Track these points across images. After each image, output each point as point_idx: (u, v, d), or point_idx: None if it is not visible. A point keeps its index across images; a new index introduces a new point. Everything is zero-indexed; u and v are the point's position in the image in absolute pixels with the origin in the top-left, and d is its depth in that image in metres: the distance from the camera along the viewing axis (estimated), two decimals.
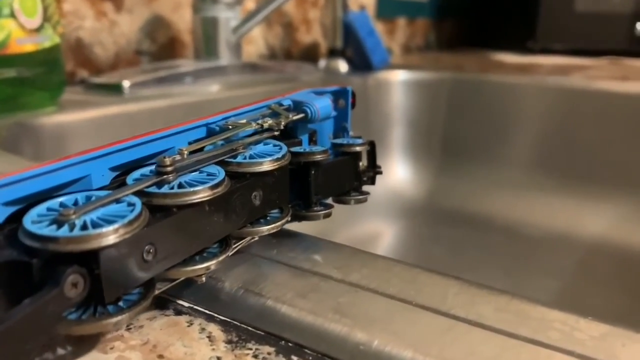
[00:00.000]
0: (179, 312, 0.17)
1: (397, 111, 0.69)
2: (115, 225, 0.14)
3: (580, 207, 0.61)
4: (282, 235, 0.21)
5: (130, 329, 0.16)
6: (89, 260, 0.13)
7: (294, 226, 0.22)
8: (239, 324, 0.17)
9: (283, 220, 0.20)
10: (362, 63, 0.68)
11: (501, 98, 0.66)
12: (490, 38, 1.05)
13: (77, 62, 0.55)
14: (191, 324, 0.17)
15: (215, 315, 0.17)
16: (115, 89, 0.50)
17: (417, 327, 0.16)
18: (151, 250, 0.15)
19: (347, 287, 0.18)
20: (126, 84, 0.49)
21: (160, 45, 0.62)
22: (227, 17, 0.56)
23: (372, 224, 0.64)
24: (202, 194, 0.16)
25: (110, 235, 0.13)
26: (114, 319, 0.14)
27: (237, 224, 0.18)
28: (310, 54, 0.78)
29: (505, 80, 0.66)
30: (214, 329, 0.17)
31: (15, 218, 0.14)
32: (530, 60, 0.85)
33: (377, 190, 0.79)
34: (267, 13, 0.56)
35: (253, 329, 0.17)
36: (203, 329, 0.17)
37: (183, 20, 0.63)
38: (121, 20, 0.58)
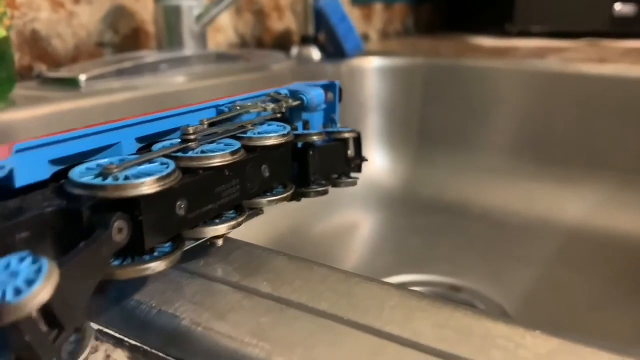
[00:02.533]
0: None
1: (371, 99, 0.67)
2: (154, 177, 0.15)
3: (559, 192, 0.60)
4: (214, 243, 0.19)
5: None
6: (132, 207, 0.15)
7: (265, 220, 0.22)
8: (148, 349, 0.15)
9: (289, 193, 0.21)
10: (334, 50, 0.66)
11: (477, 83, 0.64)
12: (468, 22, 1.03)
13: (34, 56, 0.53)
14: (96, 351, 0.15)
15: (125, 339, 0.16)
16: (71, 83, 0.47)
17: (342, 351, 0.14)
18: (182, 206, 0.16)
19: (273, 303, 0.16)
20: (82, 77, 0.47)
21: (123, 37, 0.59)
22: (190, 5, 0.54)
23: (349, 214, 0.63)
24: (223, 159, 0.18)
25: (150, 185, 0.15)
26: (151, 264, 0.15)
27: (250, 192, 0.20)
28: (283, 42, 0.76)
29: (481, 65, 0.64)
30: (120, 355, 0.15)
31: (57, 178, 0.16)
32: (507, 43, 0.83)
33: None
34: (230, 1, 0.54)
35: (164, 355, 0.15)
36: (108, 356, 0.15)
37: (146, 9, 0.61)
38: (80, 11, 0.55)
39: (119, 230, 0.15)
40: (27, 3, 0.52)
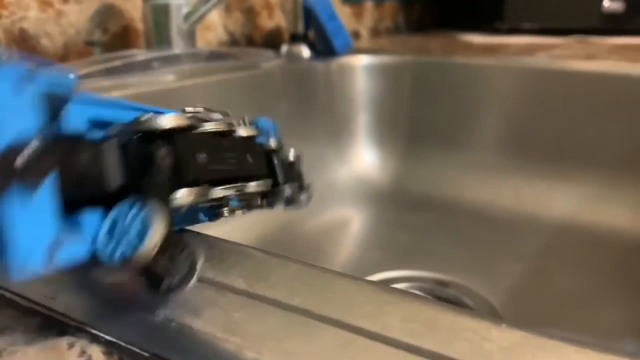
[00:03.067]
0: (63, 332, 0.16)
1: (361, 96, 0.68)
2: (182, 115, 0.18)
3: (548, 188, 0.61)
4: (193, 240, 0.20)
5: (2, 356, 0.15)
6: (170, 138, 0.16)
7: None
8: (124, 344, 0.16)
9: (269, 181, 0.23)
10: (324, 48, 0.66)
11: (466, 80, 0.65)
12: (459, 20, 1.04)
13: (23, 55, 0.53)
14: (72, 347, 0.15)
15: (101, 335, 0.16)
16: None
17: (312, 344, 0.14)
18: (203, 157, 0.17)
19: (247, 299, 0.16)
20: (71, 76, 0.47)
21: (112, 35, 0.59)
22: (178, 4, 0.54)
23: (339, 210, 0.63)
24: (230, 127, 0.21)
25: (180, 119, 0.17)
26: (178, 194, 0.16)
27: (246, 169, 0.21)
28: (273, 40, 0.76)
29: (470, 62, 0.65)
30: (95, 351, 0.15)
31: None
32: (497, 40, 0.84)
33: (344, 176, 0.78)
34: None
35: (139, 350, 0.15)
36: (83, 352, 0.15)
37: (135, 8, 0.61)
38: (69, 10, 0.55)
39: (165, 155, 0.16)
40: (16, 2, 0.52)
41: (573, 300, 0.47)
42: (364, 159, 0.69)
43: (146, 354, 0.15)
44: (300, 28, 0.66)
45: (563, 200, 0.61)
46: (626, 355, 0.15)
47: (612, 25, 0.82)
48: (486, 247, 0.57)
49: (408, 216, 0.63)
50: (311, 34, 0.68)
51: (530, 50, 0.71)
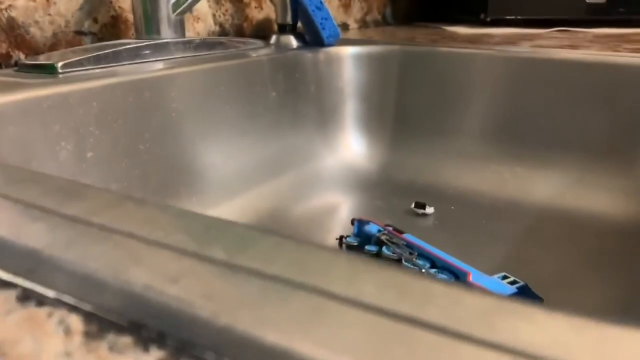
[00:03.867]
0: (41, 303, 0.16)
1: (349, 86, 0.68)
2: None
3: (529, 173, 0.61)
4: (174, 214, 0.20)
5: None
6: None
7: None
8: (103, 314, 0.16)
9: None
10: (313, 39, 0.66)
11: (451, 69, 0.65)
12: (445, 12, 1.04)
13: (12, 44, 0.53)
14: (50, 316, 0.16)
15: (80, 305, 0.16)
16: (49, 70, 0.48)
17: (287, 311, 0.15)
18: None
19: (225, 269, 0.17)
20: (60, 63, 0.47)
21: (102, 25, 0.59)
22: None
23: (327, 197, 0.64)
24: None
25: None
26: None
27: None
28: (263, 31, 0.76)
29: (455, 51, 0.65)
30: (74, 320, 0.15)
31: None
32: (482, 31, 0.84)
33: (332, 164, 0.78)
34: None
35: (117, 319, 0.16)
36: (62, 322, 0.15)
37: None
38: None
39: None
40: None
41: (554, 282, 0.48)
42: (351, 147, 0.69)
43: (124, 323, 0.15)
44: (289, 19, 0.66)
45: (544, 186, 0.62)
46: (593, 318, 0.15)
47: (595, 16, 0.83)
48: (468, 231, 0.58)
49: (394, 203, 0.63)
50: (300, 25, 0.68)
51: (514, 40, 0.72)
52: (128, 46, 0.51)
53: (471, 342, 0.14)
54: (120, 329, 0.15)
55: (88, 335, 0.15)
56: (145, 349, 0.14)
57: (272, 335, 0.14)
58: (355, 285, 0.16)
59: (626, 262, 0.50)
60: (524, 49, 0.63)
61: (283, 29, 0.66)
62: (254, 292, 0.15)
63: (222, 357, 0.14)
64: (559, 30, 0.80)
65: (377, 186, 0.66)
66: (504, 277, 0.44)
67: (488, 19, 0.90)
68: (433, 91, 0.65)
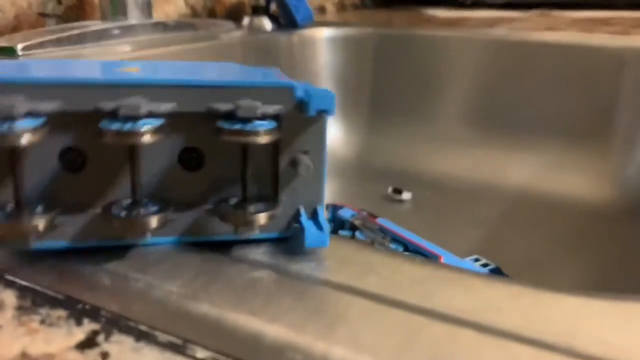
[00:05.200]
0: None
1: (324, 69, 0.68)
2: None
3: (505, 158, 0.62)
4: None
5: None
6: None
7: None
8: (39, 288, 0.15)
9: None
10: (286, 20, 0.66)
11: (427, 52, 0.65)
12: None
13: None
14: None
15: (17, 280, 0.16)
16: (8, 52, 0.46)
17: (227, 284, 0.15)
18: None
19: (162, 245, 0.17)
20: (20, 46, 0.46)
21: (67, 7, 0.58)
22: None
23: None
24: None
25: None
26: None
27: None
28: (235, 13, 0.75)
29: (431, 34, 0.65)
30: (8, 295, 0.15)
31: None
32: (460, 15, 0.84)
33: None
34: None
35: (53, 294, 0.15)
36: None
37: None
38: None
39: None
40: None
41: (528, 265, 0.48)
42: (328, 131, 0.69)
43: (60, 297, 0.15)
44: (262, 0, 0.65)
45: (520, 169, 0.62)
46: (530, 285, 0.15)
47: None
48: (445, 215, 0.58)
49: (370, 188, 0.63)
50: (273, 6, 0.67)
51: (492, 23, 0.72)
52: (93, 28, 0.50)
53: (403, 307, 0.14)
54: (55, 304, 0.15)
55: (21, 309, 0.15)
56: (80, 321, 0.14)
57: (207, 306, 0.14)
58: (296, 257, 0.16)
59: (600, 245, 0.50)
60: (501, 32, 0.63)
61: (256, 11, 0.66)
62: (196, 260, 0.15)
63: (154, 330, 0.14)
64: (538, 13, 0.80)
65: (354, 171, 0.66)
66: (476, 260, 0.45)
67: (468, 2, 0.90)
68: (410, 75, 0.65)
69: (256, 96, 0.16)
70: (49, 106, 0.14)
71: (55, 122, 0.15)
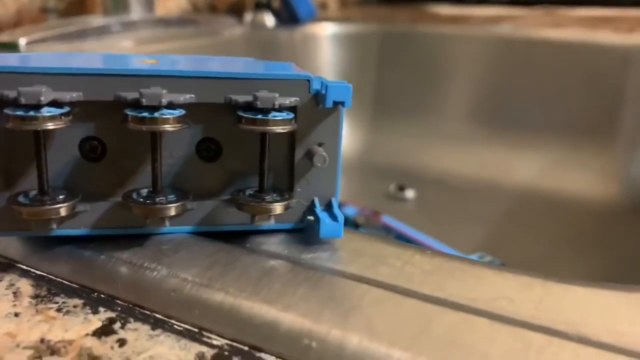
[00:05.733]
0: None
1: (326, 66, 0.68)
2: None
3: (510, 155, 0.62)
4: None
5: None
6: None
7: None
8: (54, 278, 0.16)
9: None
10: (289, 16, 0.66)
11: (431, 49, 0.65)
12: None
13: None
14: (1, 281, 0.15)
15: (32, 270, 0.16)
16: (10, 48, 0.46)
17: (234, 267, 0.15)
18: None
19: (175, 236, 0.17)
20: (23, 41, 0.46)
21: (68, 2, 0.58)
22: None
23: None
24: None
25: None
26: None
27: None
28: (237, 8, 0.75)
29: (435, 31, 0.65)
30: (24, 284, 0.15)
31: None
32: (464, 11, 0.84)
33: None
34: None
35: (68, 283, 0.15)
36: (12, 285, 0.15)
37: None
38: None
39: None
40: None
41: (532, 263, 0.48)
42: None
43: (75, 286, 0.15)
44: None
45: (525, 167, 0.62)
46: (541, 276, 0.15)
47: None
48: (447, 213, 0.58)
49: (374, 185, 0.63)
50: (276, 1, 0.67)
51: (496, 20, 0.72)
52: (94, 23, 0.50)
53: (416, 297, 0.14)
54: (70, 292, 0.15)
55: (37, 298, 0.15)
56: (96, 310, 0.14)
57: (221, 295, 0.14)
58: (314, 249, 0.16)
59: (605, 243, 0.51)
60: (505, 29, 0.63)
61: (259, 6, 0.66)
62: (208, 251, 0.15)
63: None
64: (542, 11, 0.80)
65: (357, 169, 0.66)
66: (481, 257, 0.45)
67: None
68: (413, 72, 0.65)
69: (273, 88, 0.16)
70: (71, 96, 0.15)
71: (76, 112, 0.15)
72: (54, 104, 0.14)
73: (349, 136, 0.69)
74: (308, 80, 0.16)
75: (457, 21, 0.72)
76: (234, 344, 0.13)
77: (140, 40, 0.52)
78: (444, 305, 0.14)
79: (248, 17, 0.67)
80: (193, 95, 0.15)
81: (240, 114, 0.15)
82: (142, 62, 0.18)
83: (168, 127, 0.15)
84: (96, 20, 0.54)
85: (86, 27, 0.51)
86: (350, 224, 0.50)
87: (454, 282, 0.15)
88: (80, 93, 0.15)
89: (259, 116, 0.15)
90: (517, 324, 0.13)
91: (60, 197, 0.15)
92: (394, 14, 0.82)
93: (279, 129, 0.15)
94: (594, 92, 0.58)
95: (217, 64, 0.19)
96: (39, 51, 0.46)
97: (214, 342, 0.13)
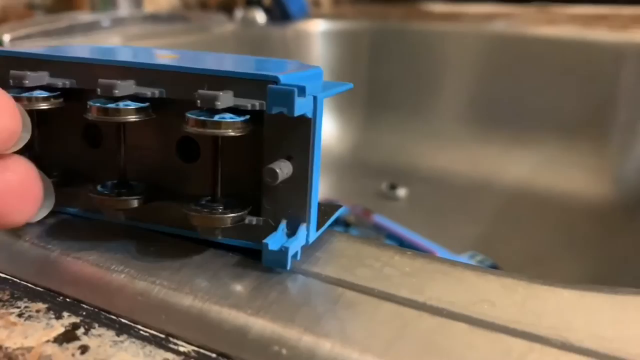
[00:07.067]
0: None
1: (318, 64, 0.66)
2: None
3: (504, 153, 0.61)
4: None
5: None
6: None
7: None
8: (18, 281, 0.15)
9: None
10: (280, 13, 0.65)
11: (423, 47, 0.64)
12: None
13: None
14: None
15: None
16: None
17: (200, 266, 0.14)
18: None
19: (146, 233, 0.16)
20: (7, 37, 0.45)
21: None
22: None
23: None
24: None
25: None
26: None
27: None
28: (228, 5, 0.74)
29: (427, 29, 0.65)
30: None
31: None
32: (458, 9, 0.84)
33: None
34: None
35: (32, 286, 0.15)
36: None
37: None
38: None
39: None
40: None
41: (525, 262, 0.48)
42: (322, 127, 0.68)
43: (40, 289, 0.15)
44: None
45: (518, 165, 0.62)
46: (523, 278, 0.15)
47: None
48: (440, 212, 0.58)
49: (366, 184, 0.63)
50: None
51: (489, 17, 0.71)
52: (81, 20, 0.50)
53: (393, 300, 0.13)
54: (34, 296, 0.14)
55: None
56: (59, 315, 0.14)
57: (189, 299, 0.13)
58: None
59: (597, 241, 0.50)
60: (499, 27, 0.63)
61: (250, 2, 0.65)
62: (178, 253, 0.15)
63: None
64: (537, 7, 0.80)
65: (349, 167, 0.65)
66: (472, 256, 0.44)
67: None
68: (406, 70, 0.65)
69: (240, 87, 0.14)
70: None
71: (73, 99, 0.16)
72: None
73: (341, 134, 0.68)
74: (275, 82, 0.14)
75: (450, 18, 0.71)
76: (202, 350, 0.13)
77: (128, 36, 0.51)
78: (422, 309, 0.13)
79: (239, 13, 0.66)
80: (163, 90, 0.15)
81: (187, 114, 0.14)
82: (159, 56, 0.18)
83: (124, 119, 0.14)
84: (83, 16, 0.53)
85: (73, 23, 0.50)
86: (341, 223, 0.50)
87: (434, 284, 0.14)
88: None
89: (202, 117, 0.14)
90: (498, 329, 0.12)
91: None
92: (387, 11, 0.82)
93: (220, 133, 0.14)
94: (587, 90, 0.58)
95: (212, 61, 0.18)
96: (24, 48, 0.45)
97: (181, 349, 0.13)
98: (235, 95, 0.14)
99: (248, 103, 0.14)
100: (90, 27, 0.51)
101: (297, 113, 0.13)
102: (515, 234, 0.54)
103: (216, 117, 0.14)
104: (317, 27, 0.67)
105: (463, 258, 0.45)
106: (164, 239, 0.16)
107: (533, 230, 0.54)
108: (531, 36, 0.61)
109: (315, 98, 0.14)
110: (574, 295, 0.14)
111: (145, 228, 0.16)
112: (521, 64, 0.61)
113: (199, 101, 0.13)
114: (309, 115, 0.14)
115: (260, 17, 0.66)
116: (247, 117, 0.14)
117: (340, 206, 0.17)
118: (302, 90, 0.13)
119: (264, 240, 0.14)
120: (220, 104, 0.13)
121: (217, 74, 0.14)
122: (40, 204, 0.14)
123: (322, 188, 0.58)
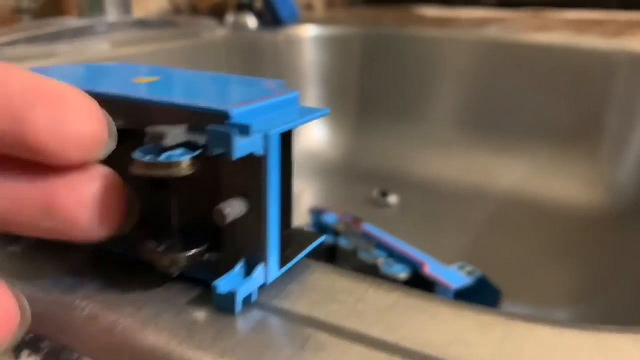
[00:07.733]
0: None
1: (310, 69, 0.67)
2: None
3: (495, 160, 0.61)
4: None
5: None
6: None
7: None
8: None
9: None
10: (271, 18, 0.64)
11: (416, 53, 0.64)
12: None
13: None
14: None
15: None
16: None
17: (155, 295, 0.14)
18: None
19: (115, 260, 0.16)
20: None
21: (43, 3, 0.57)
22: None
23: None
24: None
25: None
26: None
27: None
28: (219, 10, 0.74)
29: (420, 34, 0.64)
30: None
31: None
32: (451, 14, 0.83)
33: (295, 152, 0.77)
34: None
35: None
36: None
37: None
38: None
39: None
40: None
41: (515, 272, 0.48)
42: (313, 133, 0.68)
43: None
44: None
45: (509, 173, 0.62)
46: (502, 315, 0.14)
47: None
48: (431, 219, 0.58)
49: (358, 191, 0.62)
50: (258, 3, 0.66)
51: (482, 23, 0.71)
52: (69, 25, 0.49)
53: (364, 342, 0.13)
54: None
55: None
56: (17, 354, 0.13)
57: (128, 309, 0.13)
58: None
59: (589, 250, 0.50)
60: (491, 33, 0.62)
61: (241, 7, 0.64)
62: (122, 273, 0.14)
63: None
64: (529, 13, 0.80)
65: (340, 174, 0.65)
66: (462, 267, 0.44)
67: (460, 1, 0.89)
68: (398, 76, 0.64)
69: (195, 120, 0.13)
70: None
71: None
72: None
73: (332, 140, 0.68)
74: (224, 116, 0.13)
75: (443, 24, 0.71)
76: None
77: (117, 42, 0.50)
78: (393, 351, 0.12)
79: (230, 18, 0.65)
80: (122, 122, 0.14)
81: (133, 153, 0.13)
82: (138, 80, 0.16)
83: None
84: (71, 22, 0.52)
85: (61, 29, 0.50)
86: (331, 232, 0.49)
87: (408, 321, 0.14)
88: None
89: (147, 158, 0.13)
90: None
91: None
92: (380, 16, 0.81)
93: (165, 174, 0.13)
94: (579, 97, 0.58)
95: (184, 85, 0.17)
96: (9, 54, 0.44)
97: None
98: (192, 128, 0.13)
99: (200, 139, 0.13)
100: (78, 33, 0.50)
101: (238, 155, 0.12)
102: (506, 243, 0.53)
103: (162, 157, 0.13)
104: (309, 33, 0.67)
105: (452, 269, 0.45)
106: (130, 270, 0.15)
107: (524, 239, 0.54)
108: (523, 43, 0.60)
109: (266, 136, 0.13)
110: (553, 333, 0.14)
111: (117, 252, 0.16)
112: (513, 70, 0.60)
113: (146, 137, 0.13)
114: (259, 153, 0.13)
115: (251, 22, 0.65)
116: (200, 151, 0.13)
117: (319, 236, 0.17)
118: (245, 130, 0.13)
119: (214, 283, 0.13)
120: (168, 142, 0.13)
121: (171, 107, 0.14)
122: (125, 220, 0.13)
123: (312, 194, 0.58)
